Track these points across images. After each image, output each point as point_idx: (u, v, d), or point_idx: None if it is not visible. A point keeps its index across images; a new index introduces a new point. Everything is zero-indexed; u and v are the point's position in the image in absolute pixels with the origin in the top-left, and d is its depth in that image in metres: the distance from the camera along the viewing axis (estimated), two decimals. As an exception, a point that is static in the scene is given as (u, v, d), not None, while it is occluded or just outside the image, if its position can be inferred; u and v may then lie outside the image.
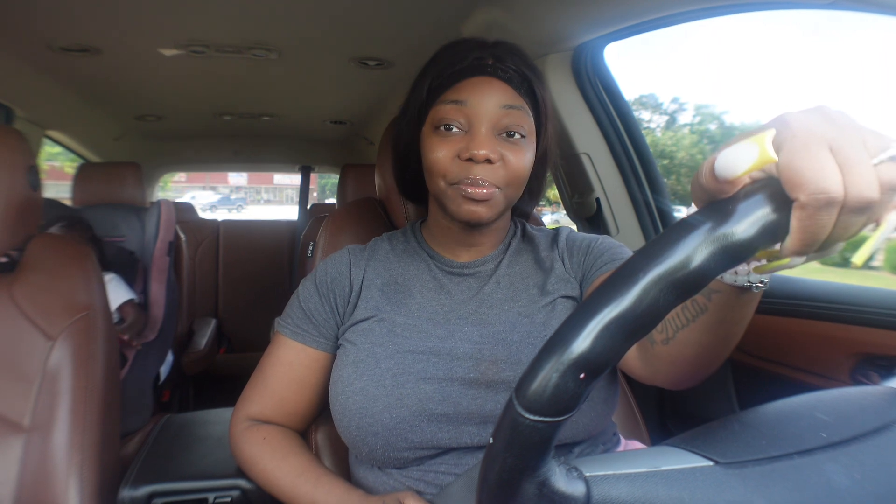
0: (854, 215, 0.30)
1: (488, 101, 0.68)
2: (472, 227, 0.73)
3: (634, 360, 0.64)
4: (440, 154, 0.68)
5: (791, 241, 0.31)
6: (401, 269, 0.78)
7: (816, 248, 0.31)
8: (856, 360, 0.89)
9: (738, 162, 0.31)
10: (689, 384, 0.59)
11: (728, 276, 0.41)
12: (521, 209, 0.84)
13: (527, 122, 0.70)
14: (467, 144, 0.67)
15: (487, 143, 0.67)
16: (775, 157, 0.29)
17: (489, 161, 0.66)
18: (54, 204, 2.10)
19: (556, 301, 0.73)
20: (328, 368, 0.76)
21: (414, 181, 0.80)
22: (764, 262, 0.37)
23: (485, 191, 0.67)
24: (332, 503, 0.66)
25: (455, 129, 0.68)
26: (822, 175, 0.29)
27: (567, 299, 0.74)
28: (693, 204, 0.36)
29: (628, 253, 0.76)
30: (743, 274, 0.41)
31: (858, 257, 0.31)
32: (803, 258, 0.33)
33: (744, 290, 0.42)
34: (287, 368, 0.76)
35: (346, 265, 0.78)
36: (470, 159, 0.66)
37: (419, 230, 0.82)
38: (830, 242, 0.31)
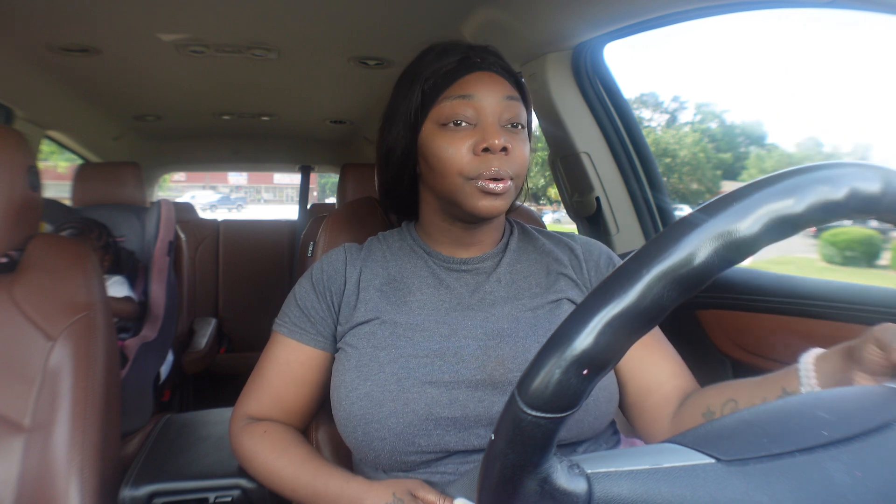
0: None
1: (493, 93, 0.69)
2: (479, 222, 0.73)
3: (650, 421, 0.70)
4: (452, 150, 0.68)
5: None
6: (398, 266, 0.77)
7: None
8: (856, 359, 0.89)
9: None
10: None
11: (805, 384, 0.50)
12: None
13: (524, 113, 0.72)
14: (482, 136, 0.67)
15: (501, 133, 0.68)
16: None
17: (504, 151, 0.67)
18: (60, 207, 2.10)
19: (561, 301, 0.73)
20: (325, 367, 0.76)
21: (407, 189, 0.79)
22: None
23: (502, 184, 0.67)
24: (332, 493, 0.66)
25: (464, 125, 0.69)
26: None
27: (573, 303, 0.74)
28: None
29: None
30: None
31: None
32: None
33: None
34: (284, 367, 0.76)
35: (342, 262, 0.78)
36: (486, 150, 0.67)
37: (413, 230, 0.82)
38: None
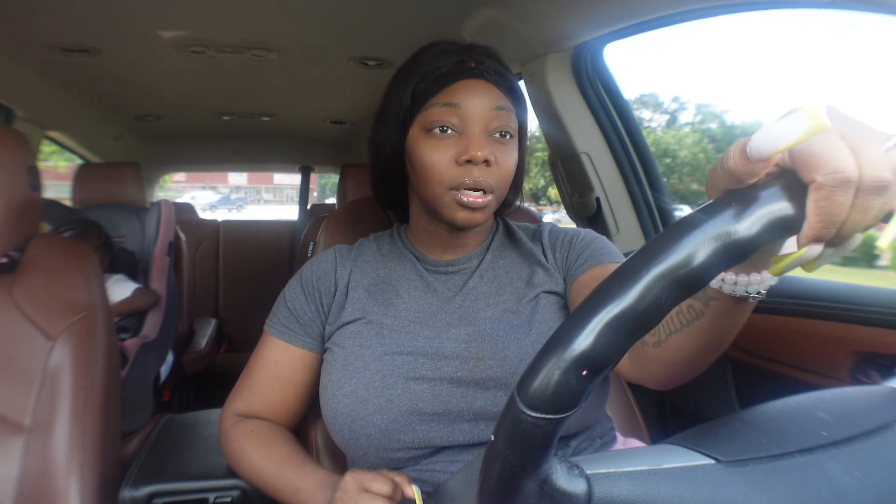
0: (870, 196, 0.30)
1: (481, 103, 0.69)
2: (462, 229, 0.73)
3: (624, 361, 0.64)
4: (435, 158, 0.68)
5: (808, 225, 0.31)
6: (387, 269, 0.78)
7: (833, 235, 0.31)
8: (856, 359, 0.89)
9: (783, 135, 0.31)
10: (675, 385, 0.60)
11: (727, 286, 0.42)
12: (505, 200, 0.83)
13: (513, 122, 0.71)
14: (465, 147, 0.67)
15: (485, 144, 0.68)
16: (829, 125, 0.30)
17: (486, 162, 0.67)
18: (60, 207, 2.10)
19: (539, 296, 0.73)
20: (313, 367, 0.77)
21: (397, 188, 0.79)
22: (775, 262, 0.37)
23: (481, 200, 0.67)
24: (310, 487, 0.67)
25: (449, 132, 0.69)
26: (837, 156, 0.30)
27: (550, 294, 0.74)
28: (707, 196, 0.36)
29: (611, 248, 0.76)
30: (742, 284, 0.41)
31: (884, 240, 0.31)
32: (819, 249, 0.32)
33: (741, 299, 0.43)
34: (273, 367, 0.77)
35: (332, 264, 0.79)
36: (469, 161, 0.67)
37: (404, 232, 0.83)
38: (848, 230, 0.31)
